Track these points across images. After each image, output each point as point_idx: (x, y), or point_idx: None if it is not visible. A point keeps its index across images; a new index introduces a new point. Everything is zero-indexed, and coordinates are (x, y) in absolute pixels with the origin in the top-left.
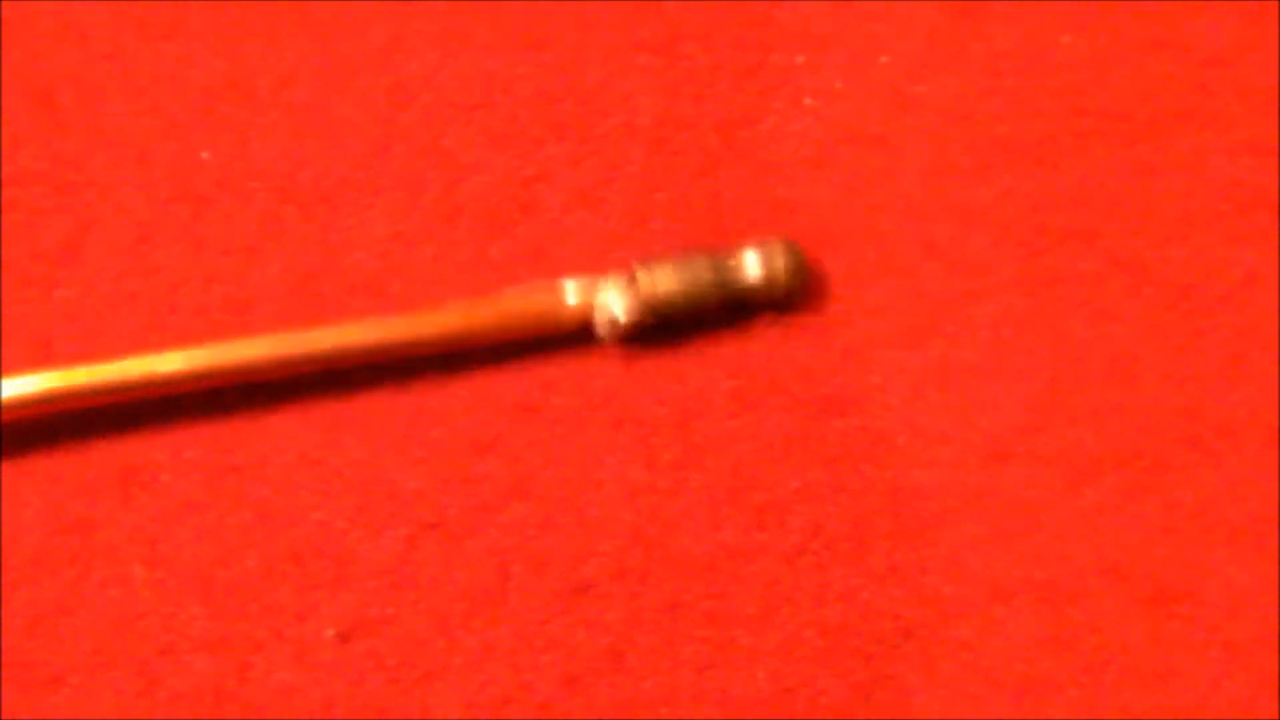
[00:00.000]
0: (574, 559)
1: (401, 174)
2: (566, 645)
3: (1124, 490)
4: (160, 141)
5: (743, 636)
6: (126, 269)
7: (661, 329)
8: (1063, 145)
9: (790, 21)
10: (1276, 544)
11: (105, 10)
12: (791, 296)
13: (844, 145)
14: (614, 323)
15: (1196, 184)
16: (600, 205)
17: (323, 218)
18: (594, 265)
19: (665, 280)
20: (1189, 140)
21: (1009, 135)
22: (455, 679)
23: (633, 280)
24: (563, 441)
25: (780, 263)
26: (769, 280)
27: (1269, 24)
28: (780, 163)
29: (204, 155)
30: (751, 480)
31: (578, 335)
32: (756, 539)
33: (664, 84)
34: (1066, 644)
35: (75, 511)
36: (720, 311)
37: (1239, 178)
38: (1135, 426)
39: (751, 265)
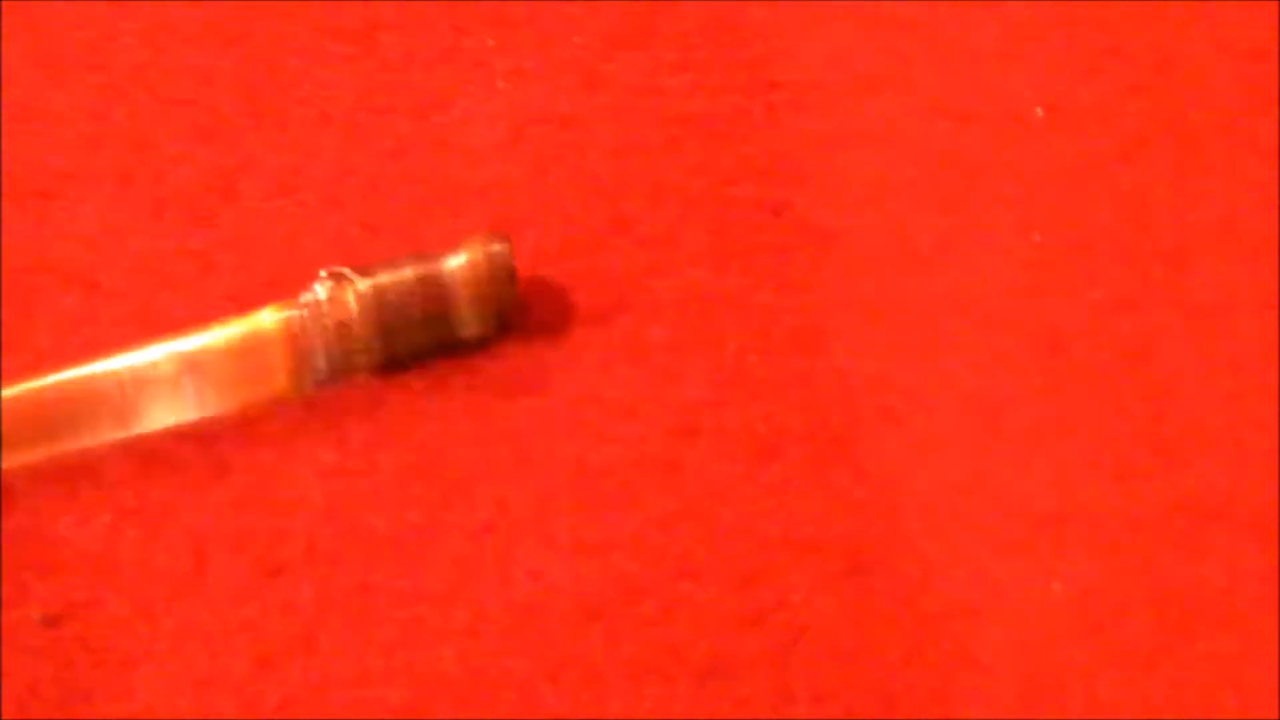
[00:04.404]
0: (268, 542)
1: (111, 168)
2: (260, 627)
3: (811, 463)
4: None
5: (431, 616)
6: None
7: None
8: (751, 117)
9: (482, 6)
10: (972, 513)
11: None
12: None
13: (535, 125)
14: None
15: (885, 150)
16: (297, 192)
17: (36, 211)
18: (293, 252)
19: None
20: (880, 105)
21: (697, 111)
22: (155, 661)
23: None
24: (257, 426)
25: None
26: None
27: None
28: (473, 145)
29: None
30: (438, 460)
31: None
32: (443, 518)
33: (359, 71)
34: (756, 621)
35: None
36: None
37: (938, 145)
38: (823, 399)
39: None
